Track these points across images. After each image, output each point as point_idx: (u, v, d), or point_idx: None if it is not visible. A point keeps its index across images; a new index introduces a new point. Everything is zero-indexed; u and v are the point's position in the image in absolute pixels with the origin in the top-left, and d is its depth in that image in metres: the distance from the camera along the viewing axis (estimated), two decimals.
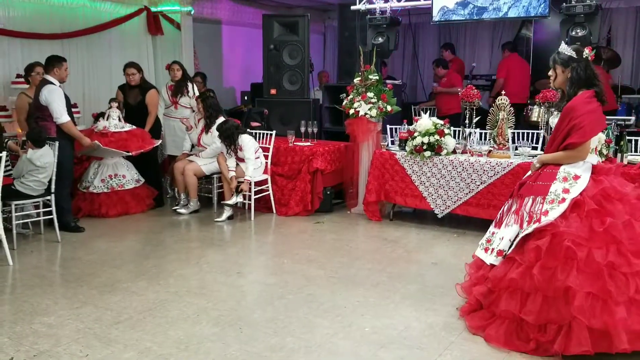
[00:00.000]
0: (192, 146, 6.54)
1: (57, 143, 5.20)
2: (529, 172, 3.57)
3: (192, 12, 8.28)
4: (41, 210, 5.25)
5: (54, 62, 5.48)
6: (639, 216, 3.16)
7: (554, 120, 3.52)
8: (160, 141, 6.60)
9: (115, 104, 6.28)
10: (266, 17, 7.56)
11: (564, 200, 3.20)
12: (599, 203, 3.16)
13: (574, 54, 3.36)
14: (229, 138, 5.88)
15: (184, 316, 3.60)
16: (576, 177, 3.26)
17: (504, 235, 3.41)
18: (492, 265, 3.39)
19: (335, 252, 4.98)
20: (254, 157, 5.94)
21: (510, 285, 3.20)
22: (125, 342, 3.24)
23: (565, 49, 3.41)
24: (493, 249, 3.44)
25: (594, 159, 3.36)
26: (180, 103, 6.82)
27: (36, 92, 5.44)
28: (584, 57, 3.35)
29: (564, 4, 5.67)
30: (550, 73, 3.50)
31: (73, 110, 5.87)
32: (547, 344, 3.07)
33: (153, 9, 8.06)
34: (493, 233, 3.54)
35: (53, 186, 5.16)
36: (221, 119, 6.17)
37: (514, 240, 3.32)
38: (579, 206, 3.17)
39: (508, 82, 8.15)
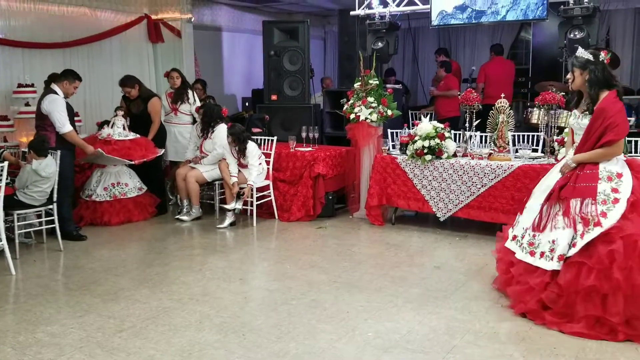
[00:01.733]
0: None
1: (58, 152, 5.21)
2: (551, 172, 3.70)
3: (193, 20, 8.32)
4: (43, 219, 5.26)
5: (67, 75, 5.53)
6: None
7: (581, 122, 3.62)
8: (163, 150, 6.61)
9: (121, 112, 6.31)
10: (266, 24, 7.59)
11: (617, 200, 3.33)
12: None
13: (591, 57, 3.53)
14: (243, 141, 5.89)
15: (187, 323, 3.60)
16: (619, 175, 3.41)
17: (556, 238, 3.45)
18: (554, 271, 3.42)
19: (338, 257, 4.98)
20: (257, 164, 5.96)
21: (591, 291, 3.25)
22: (129, 350, 3.25)
23: (582, 52, 3.58)
24: (552, 256, 3.44)
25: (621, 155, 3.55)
26: (180, 110, 6.84)
27: (38, 101, 5.46)
28: (601, 60, 3.53)
29: (562, 6, 5.69)
30: (568, 76, 3.68)
31: (75, 119, 5.88)
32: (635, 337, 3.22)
33: (153, 17, 8.11)
34: (534, 236, 3.58)
35: (55, 195, 5.18)
36: (223, 125, 6.19)
37: (571, 243, 3.37)
38: (635, 206, 3.32)
39: (487, 86, 8.36)
